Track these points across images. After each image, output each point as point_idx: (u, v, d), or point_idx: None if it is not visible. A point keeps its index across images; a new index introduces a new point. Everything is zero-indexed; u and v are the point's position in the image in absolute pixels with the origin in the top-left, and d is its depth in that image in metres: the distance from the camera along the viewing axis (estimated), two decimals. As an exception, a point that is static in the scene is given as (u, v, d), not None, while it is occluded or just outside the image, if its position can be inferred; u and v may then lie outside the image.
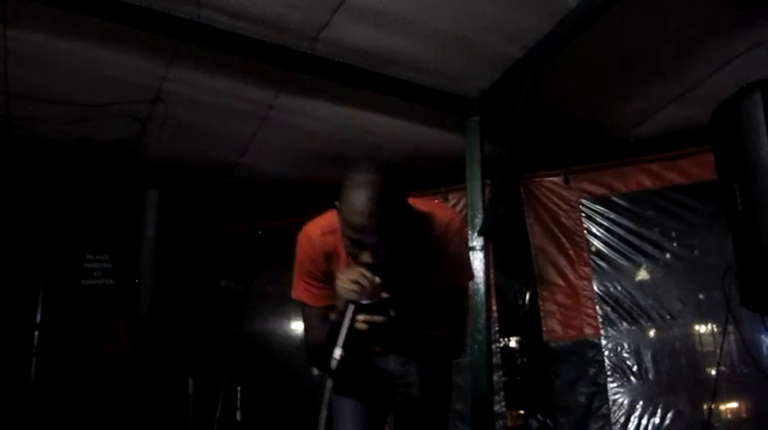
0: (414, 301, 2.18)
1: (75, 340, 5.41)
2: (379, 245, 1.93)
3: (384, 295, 1.97)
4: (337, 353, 1.85)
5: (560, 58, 3.78)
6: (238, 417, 4.52)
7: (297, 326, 6.53)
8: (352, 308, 1.92)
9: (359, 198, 1.92)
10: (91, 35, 3.72)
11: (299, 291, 2.29)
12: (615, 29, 3.64)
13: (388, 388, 2.38)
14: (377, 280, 1.95)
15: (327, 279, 2.18)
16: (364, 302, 1.93)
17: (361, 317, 1.92)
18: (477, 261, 4.25)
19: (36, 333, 5.46)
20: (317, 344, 2.16)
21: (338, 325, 1.93)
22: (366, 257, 1.95)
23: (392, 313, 1.98)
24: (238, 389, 4.65)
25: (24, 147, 4.94)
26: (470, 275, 2.37)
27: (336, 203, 2.04)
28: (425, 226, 2.14)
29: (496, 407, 4.72)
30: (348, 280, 1.95)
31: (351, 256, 2.03)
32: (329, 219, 2.21)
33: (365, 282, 1.93)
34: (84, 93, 4.31)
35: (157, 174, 5.29)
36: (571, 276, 4.91)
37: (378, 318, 1.93)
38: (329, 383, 1.93)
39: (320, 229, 2.24)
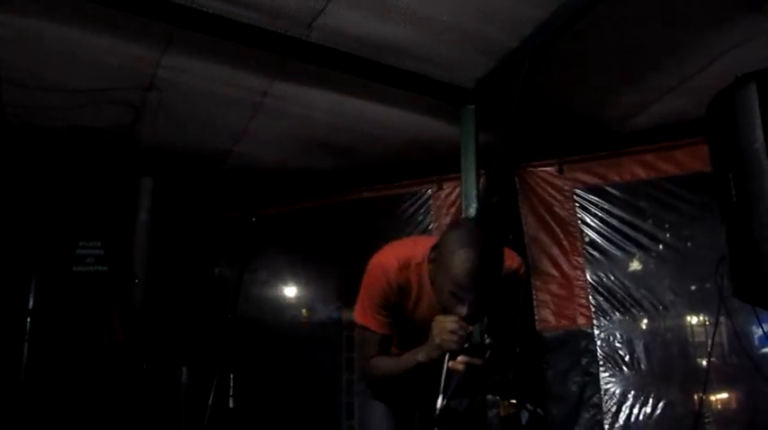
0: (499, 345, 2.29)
1: (68, 327, 5.40)
2: (477, 300, 2.06)
3: (487, 340, 2.23)
4: (439, 402, 2.00)
5: (556, 48, 3.77)
6: (231, 405, 4.53)
7: (289, 315, 6.54)
8: (448, 355, 2.05)
9: (468, 258, 2.03)
10: (84, 21, 3.69)
11: (367, 317, 2.36)
12: (611, 19, 3.63)
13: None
14: (470, 328, 2.08)
15: (395, 310, 2.30)
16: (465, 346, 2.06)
17: (461, 358, 2.04)
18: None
19: (28, 319, 5.44)
20: (384, 376, 2.32)
21: (435, 373, 2.05)
22: (462, 310, 2.06)
23: (487, 356, 2.10)
24: (231, 376, 4.66)
25: (17, 133, 4.91)
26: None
27: (434, 255, 2.17)
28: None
29: (489, 397, 4.74)
30: (446, 330, 2.06)
31: (444, 305, 2.12)
32: (405, 252, 2.30)
33: (462, 332, 2.05)
34: (77, 79, 4.28)
35: (151, 161, 5.27)
36: (564, 266, 4.92)
37: (477, 361, 2.05)
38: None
39: (397, 263, 2.28)
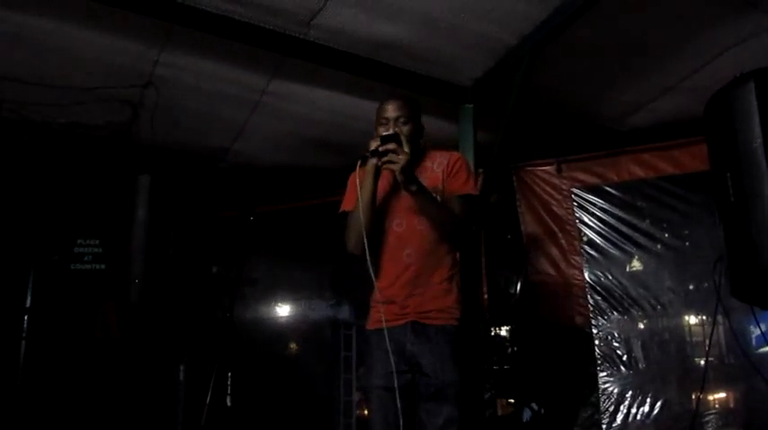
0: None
1: (65, 325, 5.40)
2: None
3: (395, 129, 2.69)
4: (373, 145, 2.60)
5: (554, 46, 3.77)
6: (229, 403, 4.53)
7: (287, 313, 6.55)
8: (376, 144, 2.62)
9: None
10: (81, 17, 3.68)
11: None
12: (609, 18, 3.63)
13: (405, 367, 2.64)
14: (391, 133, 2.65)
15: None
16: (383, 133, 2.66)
17: (373, 144, 2.62)
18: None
19: (26, 317, 5.44)
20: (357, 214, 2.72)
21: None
22: (381, 131, 2.72)
23: (406, 149, 2.59)
24: (229, 375, 4.65)
25: (14, 130, 4.91)
26: (475, 190, 2.85)
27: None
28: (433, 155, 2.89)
29: (486, 395, 4.74)
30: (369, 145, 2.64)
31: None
32: None
33: (377, 142, 2.62)
34: (74, 76, 4.28)
35: (149, 158, 5.27)
36: (562, 265, 4.92)
37: (390, 146, 2.58)
38: None
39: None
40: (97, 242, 5.57)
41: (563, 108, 4.74)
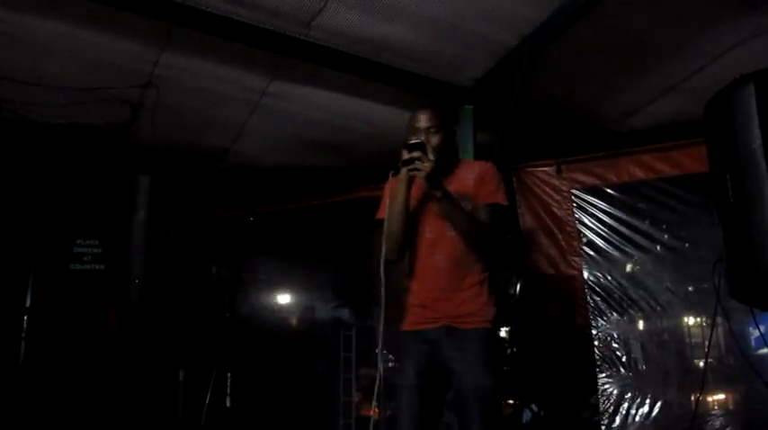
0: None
1: (65, 325, 5.40)
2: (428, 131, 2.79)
3: (422, 138, 2.70)
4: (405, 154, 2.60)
5: (554, 48, 3.77)
6: (228, 404, 4.53)
7: (286, 313, 6.55)
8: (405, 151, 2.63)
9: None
10: (82, 18, 3.69)
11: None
12: (609, 20, 3.63)
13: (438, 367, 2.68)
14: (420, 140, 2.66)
15: None
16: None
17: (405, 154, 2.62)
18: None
19: (25, 317, 5.44)
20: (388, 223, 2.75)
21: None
22: (409, 138, 2.71)
23: (431, 156, 2.60)
24: (228, 375, 4.66)
25: (14, 130, 4.91)
26: (504, 200, 2.85)
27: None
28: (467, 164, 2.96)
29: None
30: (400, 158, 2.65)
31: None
32: None
33: (407, 154, 2.62)
34: (74, 76, 4.28)
35: (148, 159, 5.27)
36: (562, 266, 4.92)
37: (415, 154, 2.60)
38: None
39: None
40: (97, 242, 5.57)
41: (563, 109, 4.74)
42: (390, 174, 2.70)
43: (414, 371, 2.66)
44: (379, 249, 2.69)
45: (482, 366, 2.63)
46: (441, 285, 2.73)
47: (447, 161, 2.80)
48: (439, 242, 2.76)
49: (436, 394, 2.66)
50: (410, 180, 2.69)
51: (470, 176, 2.84)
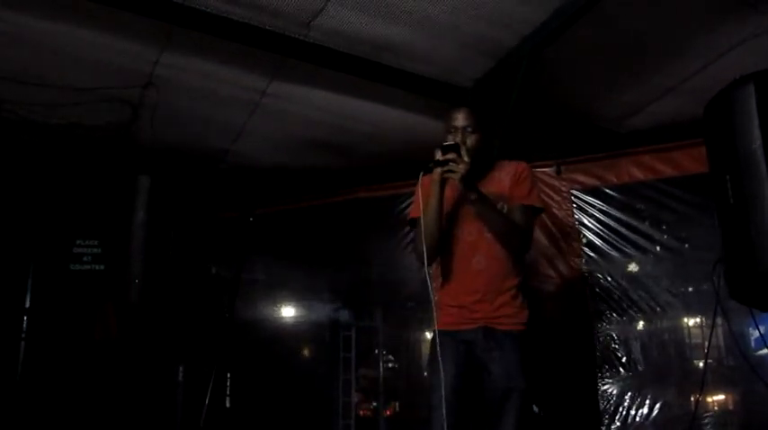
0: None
1: (65, 325, 5.40)
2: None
3: (458, 138, 2.71)
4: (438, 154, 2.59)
5: (554, 48, 3.77)
6: (228, 404, 4.53)
7: (286, 314, 6.54)
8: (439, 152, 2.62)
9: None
10: (82, 18, 3.69)
11: None
12: (609, 20, 3.63)
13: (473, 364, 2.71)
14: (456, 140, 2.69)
15: None
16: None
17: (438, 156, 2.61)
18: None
19: (25, 318, 5.44)
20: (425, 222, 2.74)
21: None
22: (447, 137, 2.73)
23: (465, 158, 2.58)
24: (228, 376, 4.65)
25: (14, 130, 4.91)
26: (538, 202, 2.87)
27: None
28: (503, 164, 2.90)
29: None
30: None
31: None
32: None
33: (441, 154, 2.61)
34: (74, 76, 4.28)
35: (148, 159, 5.27)
36: (561, 267, 4.91)
37: (450, 155, 2.58)
38: None
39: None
40: (96, 243, 5.57)
41: (563, 109, 4.74)
42: (421, 174, 2.66)
43: (453, 371, 2.66)
44: (420, 250, 2.67)
45: (518, 367, 2.65)
46: (481, 287, 2.73)
47: (483, 162, 2.79)
48: (478, 244, 2.75)
49: (472, 394, 2.67)
50: (444, 181, 2.66)
51: (506, 177, 2.82)
